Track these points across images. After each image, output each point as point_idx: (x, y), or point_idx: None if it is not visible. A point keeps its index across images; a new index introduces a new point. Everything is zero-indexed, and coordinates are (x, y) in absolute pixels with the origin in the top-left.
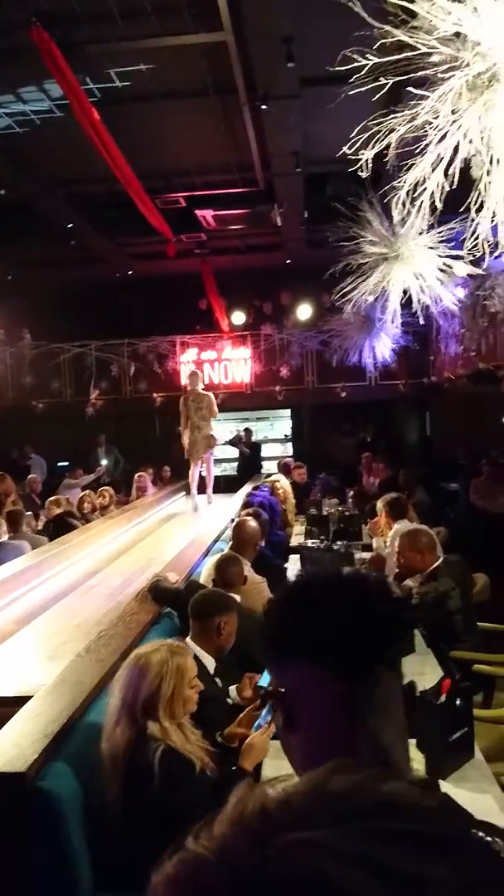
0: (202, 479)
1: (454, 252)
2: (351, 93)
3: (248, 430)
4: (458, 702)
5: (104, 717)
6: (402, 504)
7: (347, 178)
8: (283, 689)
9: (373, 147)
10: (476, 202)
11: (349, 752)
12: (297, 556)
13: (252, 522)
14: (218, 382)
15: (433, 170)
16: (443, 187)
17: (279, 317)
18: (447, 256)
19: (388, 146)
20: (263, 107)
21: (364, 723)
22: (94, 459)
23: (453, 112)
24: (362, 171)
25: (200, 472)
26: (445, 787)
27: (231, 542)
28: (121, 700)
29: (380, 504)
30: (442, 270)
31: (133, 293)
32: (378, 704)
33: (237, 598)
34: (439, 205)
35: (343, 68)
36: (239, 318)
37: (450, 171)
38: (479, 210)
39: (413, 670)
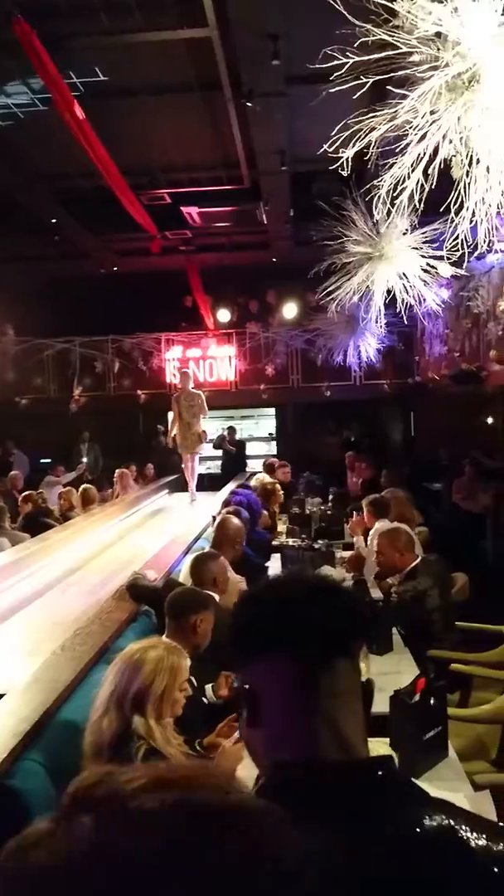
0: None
1: (438, 252)
2: (336, 91)
3: (231, 429)
4: (431, 701)
5: (79, 715)
6: (385, 504)
7: (333, 177)
8: (247, 686)
9: (354, 146)
10: (456, 202)
11: (310, 741)
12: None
13: (235, 520)
14: (203, 380)
15: (413, 169)
16: (423, 187)
17: (265, 315)
18: (431, 257)
19: (369, 145)
20: (248, 104)
21: (324, 712)
22: (77, 456)
23: (433, 112)
24: (343, 170)
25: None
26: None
27: (213, 539)
28: (111, 691)
29: (364, 503)
30: (425, 271)
31: (118, 289)
32: (338, 694)
33: (215, 596)
34: (419, 205)
35: (328, 65)
36: (224, 315)
37: (430, 171)
38: (458, 211)
39: (390, 669)
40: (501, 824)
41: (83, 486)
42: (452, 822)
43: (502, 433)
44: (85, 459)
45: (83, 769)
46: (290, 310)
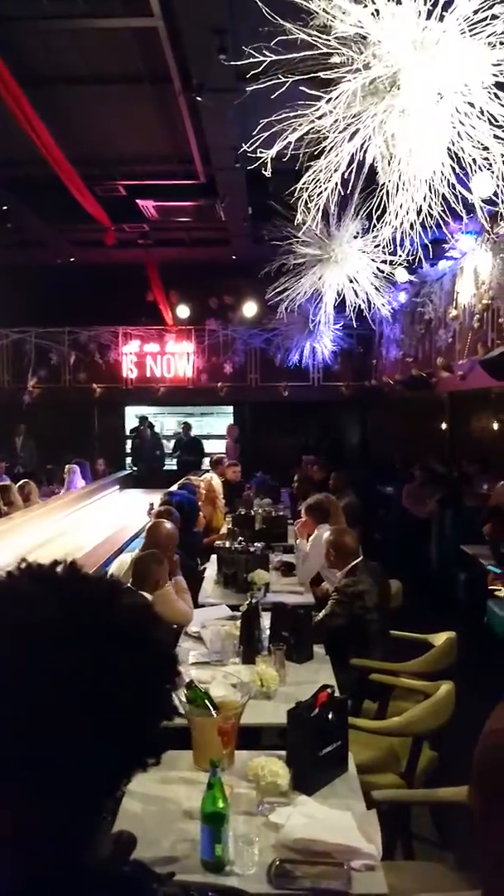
0: None
1: (388, 257)
2: (288, 91)
3: (186, 425)
4: (330, 715)
5: None
6: (325, 508)
7: (289, 176)
8: None
9: (278, 144)
10: (378, 208)
11: None
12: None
13: (166, 525)
14: (160, 375)
15: (335, 171)
16: (355, 191)
17: (224, 312)
18: (381, 261)
19: (304, 143)
20: (198, 98)
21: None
22: (9, 449)
23: (354, 116)
24: (265, 169)
25: None
26: (310, 802)
27: (143, 545)
28: None
29: (304, 508)
30: (375, 275)
31: (76, 281)
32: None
33: (148, 597)
34: (333, 208)
35: (254, 60)
36: (183, 311)
37: (350, 174)
38: (380, 216)
39: (306, 678)
40: None
41: (22, 481)
42: None
43: (450, 439)
44: (22, 452)
45: None
46: (249, 308)
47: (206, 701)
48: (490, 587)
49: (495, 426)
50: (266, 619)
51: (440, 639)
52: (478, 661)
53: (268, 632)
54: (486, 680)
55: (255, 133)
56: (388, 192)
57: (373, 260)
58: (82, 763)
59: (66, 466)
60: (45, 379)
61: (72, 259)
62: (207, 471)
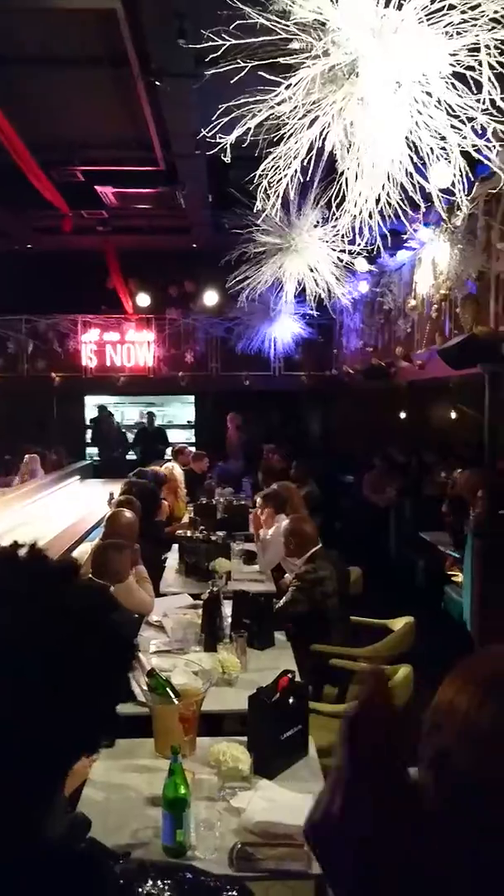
0: None
1: (348, 247)
2: (249, 77)
3: (150, 414)
4: (291, 700)
5: None
6: (282, 497)
7: (249, 163)
8: None
9: (240, 129)
10: (337, 196)
11: None
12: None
13: (126, 514)
14: (120, 365)
15: (294, 158)
16: (317, 179)
17: (185, 301)
18: (341, 251)
19: (263, 130)
20: (157, 83)
21: None
22: None
23: (314, 103)
24: (225, 156)
25: None
26: (271, 786)
27: (103, 535)
28: None
29: (259, 498)
30: (335, 265)
31: (34, 268)
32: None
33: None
34: (293, 196)
35: (237, 42)
36: (144, 300)
37: (309, 162)
38: (339, 205)
39: (267, 664)
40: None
41: None
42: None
43: (409, 428)
44: None
45: None
46: (210, 297)
47: (168, 689)
48: (448, 573)
49: (453, 415)
50: (228, 607)
51: (399, 624)
52: (435, 645)
53: (229, 619)
54: (443, 663)
55: (214, 119)
56: (347, 180)
57: (333, 249)
58: (35, 740)
59: (27, 456)
60: (2, 368)
61: (29, 246)
62: (169, 460)
